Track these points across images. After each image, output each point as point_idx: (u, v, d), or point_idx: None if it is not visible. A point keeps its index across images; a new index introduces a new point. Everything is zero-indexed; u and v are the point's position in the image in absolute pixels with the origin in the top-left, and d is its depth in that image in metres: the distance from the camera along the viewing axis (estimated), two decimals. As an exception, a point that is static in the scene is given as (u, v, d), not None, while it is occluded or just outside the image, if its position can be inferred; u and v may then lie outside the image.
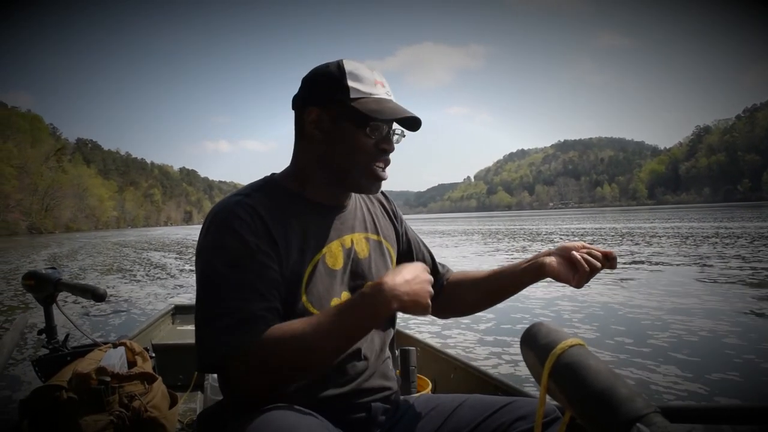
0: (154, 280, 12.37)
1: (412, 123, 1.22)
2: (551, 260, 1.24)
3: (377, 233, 1.33)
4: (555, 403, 0.83)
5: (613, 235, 23.35)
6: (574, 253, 1.21)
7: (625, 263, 12.27)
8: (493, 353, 5.08)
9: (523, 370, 4.47)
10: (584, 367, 0.73)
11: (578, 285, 1.22)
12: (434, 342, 2.88)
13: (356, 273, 1.24)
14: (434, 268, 1.46)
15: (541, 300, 7.59)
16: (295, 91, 1.24)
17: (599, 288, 8.51)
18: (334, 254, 1.21)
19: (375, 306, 1.02)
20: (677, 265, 11.53)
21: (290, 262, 1.13)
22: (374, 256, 1.30)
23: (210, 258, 1.10)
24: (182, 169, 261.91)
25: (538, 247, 18.21)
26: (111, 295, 9.77)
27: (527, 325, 0.88)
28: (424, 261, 1.43)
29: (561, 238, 22.75)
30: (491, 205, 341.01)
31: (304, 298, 1.14)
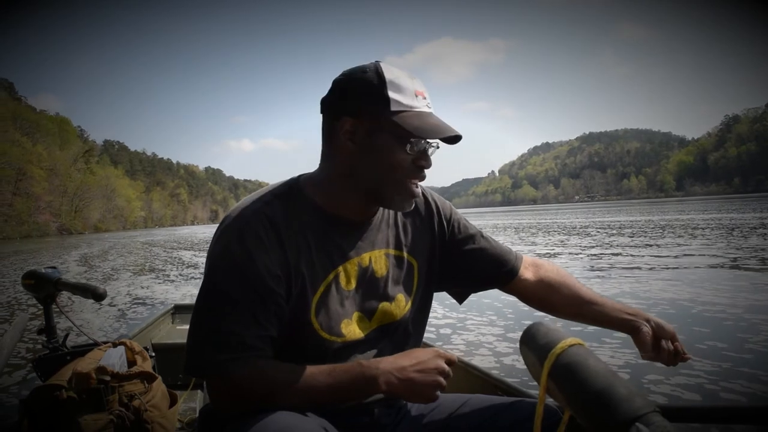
0: (188, 280, 12.07)
1: (452, 138, 1.13)
2: (647, 332, 1.24)
3: (401, 248, 1.28)
4: (558, 405, 0.79)
5: (652, 228, 22.66)
6: (668, 344, 1.24)
7: (676, 256, 11.70)
8: (495, 352, 4.82)
9: (524, 369, 4.00)
10: (583, 366, 0.72)
11: (651, 359, 1.26)
12: (434, 341, 2.63)
13: (369, 293, 1.21)
14: (499, 261, 1.37)
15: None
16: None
17: (659, 284, 8.03)
18: (348, 273, 1.17)
19: (364, 385, 1.02)
20: (734, 257, 10.89)
21: (301, 281, 1.10)
22: (392, 273, 1.25)
23: (217, 267, 1.08)
24: (207, 169, 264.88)
25: (576, 241, 17.64)
26: (147, 297, 9.53)
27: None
28: (481, 257, 1.35)
29: (597, 231, 22.12)
30: (516, 199, 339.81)
31: (313, 319, 1.11)
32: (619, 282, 8.44)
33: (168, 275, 13.49)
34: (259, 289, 1.05)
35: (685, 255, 11.86)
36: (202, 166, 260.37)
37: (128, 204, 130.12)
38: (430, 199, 1.36)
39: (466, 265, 1.35)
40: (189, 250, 24.55)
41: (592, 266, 10.80)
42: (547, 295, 1.39)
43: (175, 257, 20.06)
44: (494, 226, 35.45)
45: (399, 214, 1.30)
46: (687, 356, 1.25)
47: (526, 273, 1.39)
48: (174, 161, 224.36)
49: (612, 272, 9.70)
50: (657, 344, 1.24)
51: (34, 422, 1.36)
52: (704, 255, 11.61)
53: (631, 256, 12.24)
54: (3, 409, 3.72)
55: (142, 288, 10.90)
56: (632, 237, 18.20)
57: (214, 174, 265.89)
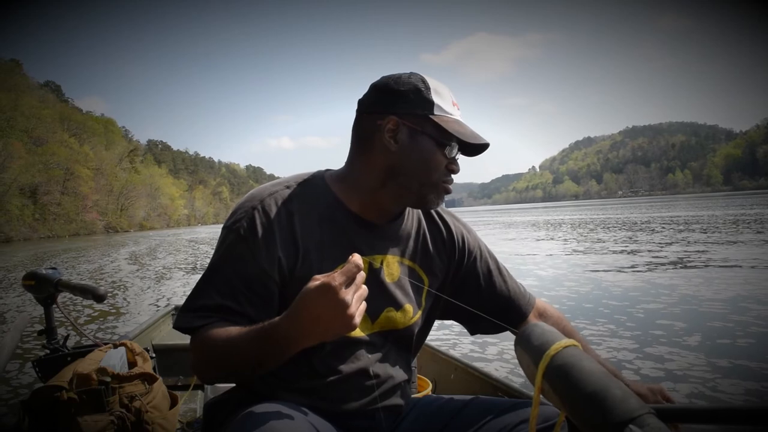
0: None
1: (478, 149, 1.20)
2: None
3: (414, 260, 1.28)
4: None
5: (722, 222, 21.40)
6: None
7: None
8: (495, 354, 4.77)
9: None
10: (578, 367, 0.71)
11: None
12: (434, 342, 2.58)
13: (376, 295, 1.18)
14: (510, 304, 1.37)
15: (722, 302, 6.28)
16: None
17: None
18: None
19: (284, 341, 0.97)
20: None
21: (308, 266, 1.12)
22: (403, 281, 1.25)
23: (223, 237, 1.13)
24: (248, 167, 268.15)
25: (646, 237, 16.63)
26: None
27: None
28: (494, 296, 1.36)
29: (662, 227, 21.00)
30: (557, 195, 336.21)
31: None
32: (727, 284, 7.52)
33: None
34: (251, 269, 1.08)
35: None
36: (243, 165, 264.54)
37: (172, 202, 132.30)
38: (455, 229, 1.35)
39: (478, 301, 1.33)
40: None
41: (685, 264, 9.85)
42: None
43: (225, 255, 19.65)
44: (546, 222, 34.43)
45: (424, 230, 1.30)
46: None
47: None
48: (216, 160, 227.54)
49: (710, 271, 8.78)
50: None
51: (35, 423, 1.36)
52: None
53: (722, 253, 11.25)
54: (4, 410, 3.75)
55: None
56: (706, 233, 17.07)
57: (254, 172, 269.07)
